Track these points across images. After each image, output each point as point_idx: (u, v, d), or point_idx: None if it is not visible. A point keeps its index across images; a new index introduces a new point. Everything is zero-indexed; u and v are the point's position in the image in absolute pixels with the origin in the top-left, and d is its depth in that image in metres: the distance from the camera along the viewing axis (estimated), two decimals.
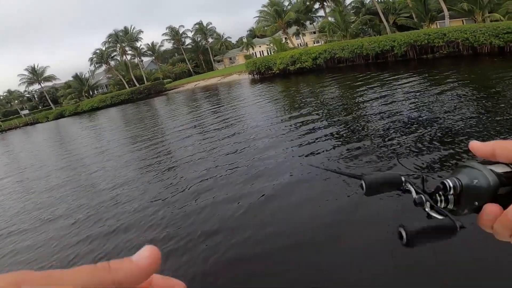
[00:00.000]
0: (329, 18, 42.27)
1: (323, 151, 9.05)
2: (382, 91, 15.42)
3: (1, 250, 7.78)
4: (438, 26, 30.88)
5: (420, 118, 10.06)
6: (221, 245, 5.52)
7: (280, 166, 8.54)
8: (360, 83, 19.23)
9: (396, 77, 18.60)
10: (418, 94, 13.59)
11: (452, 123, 9.05)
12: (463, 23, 31.09)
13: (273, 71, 33.59)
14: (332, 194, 6.32)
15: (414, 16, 34.14)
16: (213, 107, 24.91)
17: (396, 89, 15.38)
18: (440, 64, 20.70)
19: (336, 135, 10.52)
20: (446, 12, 27.29)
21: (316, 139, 10.40)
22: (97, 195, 10.55)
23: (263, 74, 35.65)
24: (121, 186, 10.73)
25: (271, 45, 49.34)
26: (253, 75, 37.63)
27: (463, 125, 8.75)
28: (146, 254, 0.31)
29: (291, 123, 13.66)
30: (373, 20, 40.89)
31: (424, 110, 10.96)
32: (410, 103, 12.18)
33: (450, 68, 18.83)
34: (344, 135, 10.44)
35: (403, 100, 12.88)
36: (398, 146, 8.21)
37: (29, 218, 9.91)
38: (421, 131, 8.89)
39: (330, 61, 29.02)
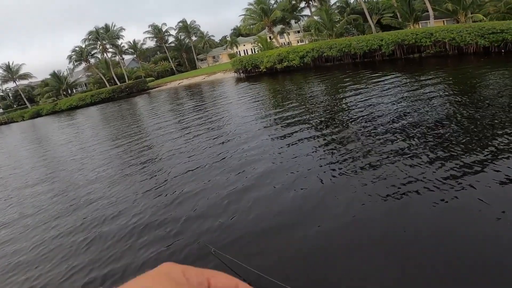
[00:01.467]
0: (315, 17, 42.31)
1: (301, 144, 9.54)
2: (369, 90, 15.52)
3: None
4: (421, 26, 31.39)
5: (405, 118, 10.11)
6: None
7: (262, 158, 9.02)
8: (347, 82, 19.25)
9: (383, 76, 18.71)
10: (405, 93, 13.69)
11: (436, 122, 9.13)
12: (444, 23, 31.74)
13: (260, 70, 33.23)
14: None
15: (398, 15, 34.53)
16: (197, 105, 24.64)
17: (383, 88, 15.45)
18: (427, 64, 20.91)
19: (316, 132, 10.78)
20: (431, 12, 27.69)
21: (297, 135, 10.67)
22: (73, 189, 10.65)
23: (250, 73, 35.23)
24: (100, 181, 10.79)
25: (256, 43, 49.02)
26: (239, 74, 37.14)
27: (447, 124, 8.82)
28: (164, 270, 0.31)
29: (275, 120, 13.83)
30: (357, 19, 41.22)
31: (409, 110, 10.98)
32: (396, 103, 12.24)
33: (437, 67, 19.02)
34: (325, 132, 10.60)
35: (389, 100, 12.89)
36: (379, 145, 8.33)
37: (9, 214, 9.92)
38: (404, 130, 8.98)
39: (317, 60, 28.91)
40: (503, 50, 18.84)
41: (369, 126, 10.00)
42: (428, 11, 31.55)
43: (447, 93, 12.40)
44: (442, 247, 4.29)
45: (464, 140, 7.58)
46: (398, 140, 8.30)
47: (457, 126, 8.63)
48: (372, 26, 34.50)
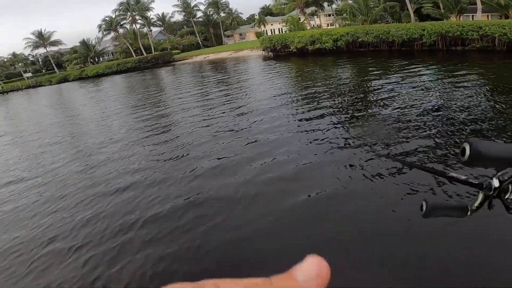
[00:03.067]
0: (349, 1, 40.68)
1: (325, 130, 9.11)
2: (402, 80, 14.70)
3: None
4: (462, 19, 29.65)
5: (439, 114, 9.34)
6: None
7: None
8: (380, 70, 18.53)
9: (421, 67, 17.78)
10: (443, 87, 12.78)
11: (470, 121, 8.38)
12: (488, 18, 29.86)
13: (290, 50, 32.47)
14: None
15: (441, 6, 32.68)
16: (221, 79, 24.81)
17: (418, 79, 14.55)
18: (470, 58, 19.77)
19: (337, 115, 10.49)
20: (479, 5, 26.02)
21: (322, 119, 10.29)
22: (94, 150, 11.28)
23: (278, 52, 34.50)
24: (120, 142, 11.44)
25: (286, 23, 47.77)
26: (267, 52, 36.45)
27: (485, 125, 8.13)
28: (314, 272, 0.24)
29: (298, 99, 13.78)
30: (394, 7, 39.35)
31: (445, 104, 10.18)
32: (430, 95, 11.47)
33: (483, 62, 17.96)
34: (345, 117, 10.37)
35: (423, 92, 12.06)
36: (400, 137, 7.93)
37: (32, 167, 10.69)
38: (435, 126, 8.28)
39: (351, 44, 27.91)
40: None
41: (395, 116, 9.51)
42: (474, 4, 29.76)
43: (491, 90, 11.51)
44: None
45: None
46: (416, 135, 7.81)
47: (494, 127, 7.96)
48: (412, 14, 32.86)
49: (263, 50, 37.46)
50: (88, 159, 10.33)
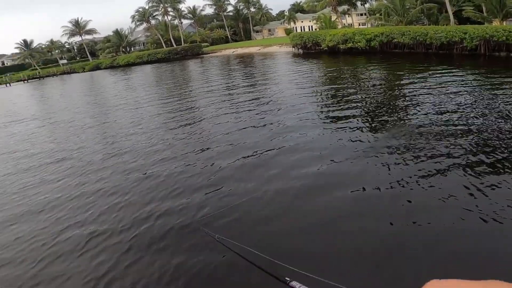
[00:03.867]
0: (384, 1, 39.47)
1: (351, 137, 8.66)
2: (440, 85, 13.65)
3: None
4: (505, 24, 28.05)
5: (473, 123, 8.54)
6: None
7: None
8: (416, 73, 17.51)
9: (460, 71, 16.87)
10: (481, 94, 11.84)
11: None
12: None
13: (321, 47, 31.98)
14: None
15: (484, 9, 31.13)
16: (249, 73, 24.77)
17: (457, 86, 13.29)
18: None
19: (366, 124, 9.85)
20: None
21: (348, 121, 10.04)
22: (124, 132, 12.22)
23: (309, 49, 34.05)
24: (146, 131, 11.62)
25: (316, 21, 47.08)
26: (297, 49, 36.06)
27: None
28: None
29: (326, 97, 13.72)
30: (431, 9, 37.85)
31: (481, 114, 9.27)
32: (468, 104, 10.50)
33: None
34: (369, 121, 9.97)
35: (460, 100, 11.08)
36: (427, 147, 7.35)
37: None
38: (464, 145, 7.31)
39: (385, 45, 27.13)
40: None
41: (424, 123, 8.92)
42: None
43: None
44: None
45: None
46: (444, 145, 7.28)
47: None
48: (451, 17, 31.51)
49: (292, 46, 37.09)
50: (112, 146, 10.56)
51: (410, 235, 4.58)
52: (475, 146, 7.20)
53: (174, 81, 27.12)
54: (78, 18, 64.36)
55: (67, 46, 78.13)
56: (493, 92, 11.98)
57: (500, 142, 7.32)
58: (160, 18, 62.39)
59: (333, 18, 41.10)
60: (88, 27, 65.29)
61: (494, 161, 6.43)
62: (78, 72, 61.07)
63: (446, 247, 4.23)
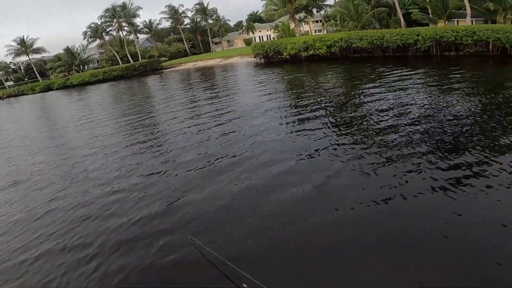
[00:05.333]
0: (339, 7, 40.90)
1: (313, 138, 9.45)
2: (397, 86, 14.87)
3: None
4: (448, 25, 30.07)
5: (428, 121, 9.64)
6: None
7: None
8: (374, 75, 18.65)
9: (415, 72, 18.01)
10: (435, 93, 12.96)
11: (463, 133, 8.46)
12: (472, 23, 30.42)
13: (283, 56, 32.27)
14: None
15: (430, 11, 33.20)
16: (213, 87, 24.47)
17: (412, 86, 14.72)
18: (465, 63, 19.87)
19: (329, 125, 10.59)
20: (468, 10, 26.47)
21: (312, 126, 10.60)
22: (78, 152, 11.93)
23: (270, 59, 34.24)
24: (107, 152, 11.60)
25: (275, 30, 47.71)
26: (259, 59, 36.13)
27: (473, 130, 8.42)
28: None
29: (289, 106, 14.11)
30: (382, 13, 39.82)
31: (435, 112, 10.40)
32: (421, 102, 11.71)
33: (477, 68, 18.11)
34: (338, 125, 10.59)
35: (416, 99, 12.24)
36: (392, 149, 8.01)
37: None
38: (421, 137, 8.44)
39: (345, 50, 27.91)
40: None
41: (384, 123, 9.92)
42: (461, 9, 30.31)
43: (481, 96, 11.70)
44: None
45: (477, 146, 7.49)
46: (404, 141, 8.19)
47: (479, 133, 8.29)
48: (402, 20, 33.25)
49: (254, 56, 37.13)
50: (70, 168, 10.60)
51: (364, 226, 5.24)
52: (428, 135, 8.33)
53: (133, 99, 25.94)
54: (23, 36, 60.23)
55: (12, 67, 72.86)
56: (442, 91, 13.09)
57: (447, 130, 8.56)
58: (114, 33, 60.11)
59: (292, 26, 41.81)
60: (36, 45, 61.25)
61: (446, 150, 7.45)
62: (28, 94, 56.99)
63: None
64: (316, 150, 8.27)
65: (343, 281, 4.19)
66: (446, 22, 31.14)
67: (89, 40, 58.09)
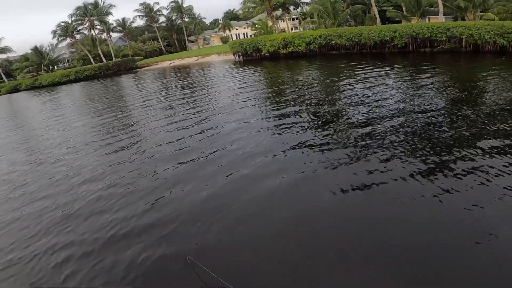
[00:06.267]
0: (315, 5, 41.21)
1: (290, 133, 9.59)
2: (373, 82, 15.27)
3: None
4: (421, 22, 30.95)
5: (402, 112, 10.17)
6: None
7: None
8: (353, 71, 18.98)
9: (392, 68, 18.49)
10: (410, 89, 13.40)
11: (438, 125, 8.89)
12: (442, 20, 31.49)
13: (262, 54, 32.09)
14: None
15: (404, 9, 34.05)
16: (189, 86, 24.04)
17: (389, 81, 15.21)
18: (440, 59, 20.45)
19: (308, 122, 10.62)
20: (441, 8, 27.30)
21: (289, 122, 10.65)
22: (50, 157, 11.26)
23: (249, 56, 33.99)
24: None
25: (252, 28, 47.47)
26: (238, 56, 35.78)
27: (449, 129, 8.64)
28: None
29: (269, 104, 13.94)
30: (357, 10, 40.49)
31: (410, 107, 10.83)
32: (397, 96, 12.13)
33: (450, 63, 18.69)
34: (317, 122, 10.63)
35: (390, 93, 12.71)
36: (363, 136, 8.48)
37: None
38: (398, 131, 8.77)
39: (324, 47, 28.09)
40: None
41: (360, 116, 10.22)
42: (432, 6, 31.32)
43: (453, 90, 12.36)
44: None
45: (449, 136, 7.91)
46: (378, 135, 8.46)
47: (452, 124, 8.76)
48: (378, 17, 33.92)
49: (233, 54, 36.75)
50: (42, 171, 10.16)
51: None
52: (402, 128, 8.70)
53: (108, 98, 24.90)
54: None
55: None
56: (416, 86, 13.51)
57: (420, 123, 8.98)
58: (86, 32, 57.75)
59: (270, 23, 41.71)
60: (1, 45, 57.97)
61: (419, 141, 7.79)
62: None
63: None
64: (294, 145, 8.46)
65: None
66: (419, 19, 32.05)
67: (59, 39, 55.48)
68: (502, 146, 7.04)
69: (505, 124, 8.21)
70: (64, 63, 67.37)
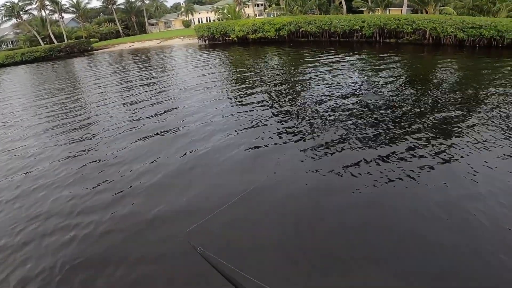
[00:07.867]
0: None
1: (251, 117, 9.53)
2: (341, 68, 15.76)
3: None
4: (382, 13, 31.99)
5: (365, 97, 10.85)
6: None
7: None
8: (321, 58, 19.17)
9: (358, 57, 19.05)
10: (376, 75, 14.09)
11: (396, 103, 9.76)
12: (401, 12, 32.80)
13: (230, 38, 31.27)
14: None
15: (369, 0, 34.85)
16: (149, 68, 22.95)
17: (355, 67, 15.97)
18: (404, 50, 21.16)
19: (271, 106, 10.58)
20: (405, 0, 28.22)
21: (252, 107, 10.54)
22: None
23: (216, 40, 33.00)
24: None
25: (214, 13, 46.20)
26: (204, 40, 34.56)
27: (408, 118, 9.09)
28: None
29: (234, 89, 13.71)
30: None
31: (372, 90, 11.53)
32: (362, 82, 12.77)
33: (415, 53, 19.45)
34: (279, 103, 10.78)
35: (356, 79, 13.35)
36: (328, 120, 8.77)
37: None
38: (360, 117, 9.15)
39: (293, 34, 27.98)
40: (477, 45, 19.75)
41: (328, 102, 10.51)
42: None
43: (413, 80, 13.01)
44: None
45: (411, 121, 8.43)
46: (341, 120, 8.77)
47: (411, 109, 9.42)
48: (344, 7, 34.41)
49: (198, 38, 35.45)
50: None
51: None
52: (364, 114, 9.07)
53: (59, 81, 22.73)
54: None
55: None
56: (380, 74, 14.12)
57: (380, 108, 9.47)
58: (35, 12, 52.63)
59: (236, 9, 40.76)
60: None
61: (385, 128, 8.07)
62: None
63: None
64: (255, 125, 8.76)
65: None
66: (383, 11, 33.06)
67: (3, 19, 50.08)
68: (450, 117, 8.35)
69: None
70: (7, 45, 61.07)
